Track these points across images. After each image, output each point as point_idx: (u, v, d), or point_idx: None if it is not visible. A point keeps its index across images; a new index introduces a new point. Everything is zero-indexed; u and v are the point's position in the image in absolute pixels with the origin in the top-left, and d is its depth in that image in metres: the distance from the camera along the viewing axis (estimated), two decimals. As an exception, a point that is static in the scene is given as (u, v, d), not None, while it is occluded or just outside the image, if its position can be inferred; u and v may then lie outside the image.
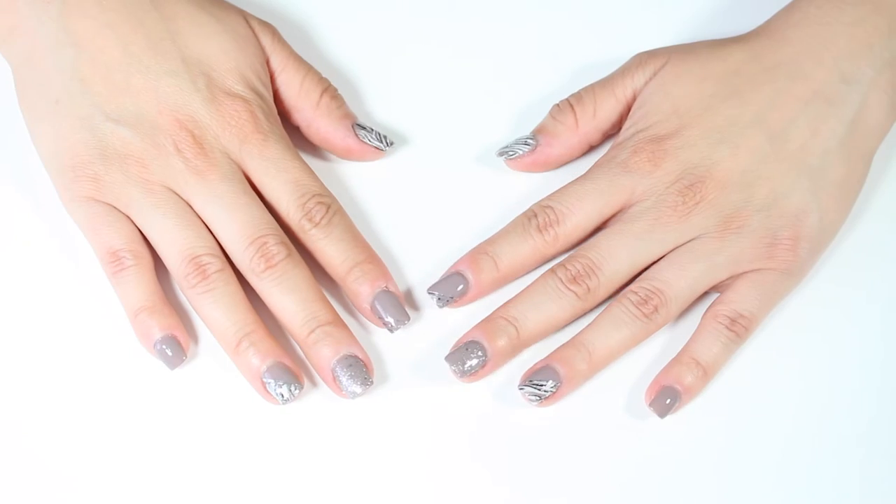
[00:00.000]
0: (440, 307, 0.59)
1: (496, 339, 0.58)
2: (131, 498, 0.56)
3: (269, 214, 0.59)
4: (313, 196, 0.59)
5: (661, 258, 0.59)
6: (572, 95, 0.63)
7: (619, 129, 0.63)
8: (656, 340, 0.60)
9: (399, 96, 0.65)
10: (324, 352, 0.57)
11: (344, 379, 0.57)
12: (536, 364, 0.58)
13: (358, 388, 0.57)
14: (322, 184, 0.60)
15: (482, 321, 0.58)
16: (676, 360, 0.58)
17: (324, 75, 0.63)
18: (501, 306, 0.59)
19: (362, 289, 0.58)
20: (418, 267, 0.61)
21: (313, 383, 0.59)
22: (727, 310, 0.58)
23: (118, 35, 0.59)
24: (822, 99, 0.60)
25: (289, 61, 0.62)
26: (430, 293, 0.59)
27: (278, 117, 0.61)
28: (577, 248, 0.59)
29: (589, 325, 0.58)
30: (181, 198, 0.58)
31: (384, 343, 0.60)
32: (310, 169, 0.60)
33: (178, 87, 0.59)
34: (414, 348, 0.60)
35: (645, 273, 0.59)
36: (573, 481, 0.57)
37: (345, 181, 0.63)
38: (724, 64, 0.61)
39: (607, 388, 0.59)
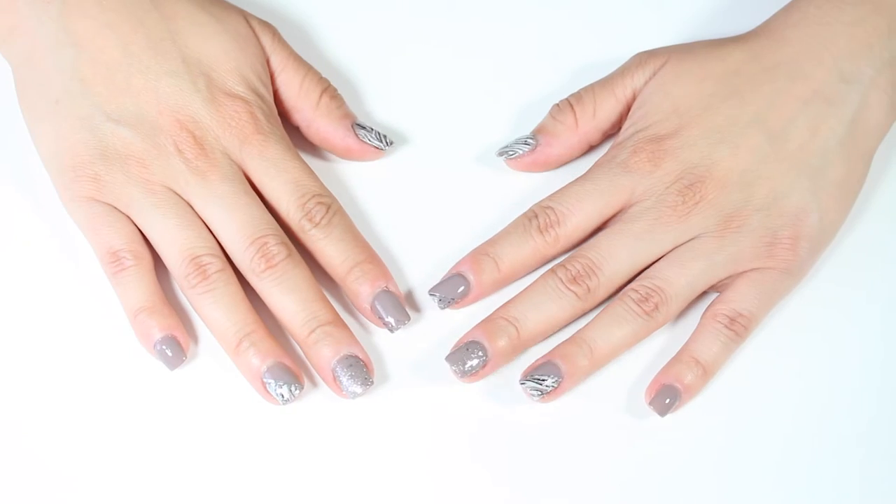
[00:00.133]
0: (441, 308, 0.59)
1: (496, 340, 0.58)
2: (131, 498, 0.56)
3: (270, 215, 0.59)
4: (313, 196, 0.59)
5: (661, 258, 0.59)
6: (572, 95, 0.63)
7: (619, 128, 0.63)
8: (656, 340, 0.60)
9: (399, 96, 0.65)
10: (324, 352, 0.57)
11: (344, 379, 0.57)
12: (538, 360, 0.58)
13: (358, 389, 0.57)
14: (322, 184, 0.60)
15: (482, 321, 0.58)
16: (676, 359, 0.58)
17: (324, 75, 0.63)
18: (502, 306, 0.59)
19: (362, 289, 0.58)
20: (418, 267, 0.61)
21: (313, 383, 0.59)
22: (727, 309, 0.58)
23: (118, 35, 0.59)
24: (822, 99, 0.60)
25: (289, 61, 0.62)
26: (431, 294, 0.59)
27: (278, 117, 0.61)
28: (578, 249, 0.59)
29: (590, 322, 0.58)
30: (182, 198, 0.58)
31: (384, 343, 0.60)
32: (310, 169, 0.60)
33: (178, 88, 0.59)
34: (414, 348, 0.60)
35: (646, 272, 0.59)
36: (573, 481, 0.57)
37: (345, 181, 0.63)
38: (723, 64, 0.61)
39: (607, 386, 0.59)
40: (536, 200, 0.60)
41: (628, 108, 0.62)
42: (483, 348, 0.58)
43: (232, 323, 0.57)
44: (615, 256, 0.58)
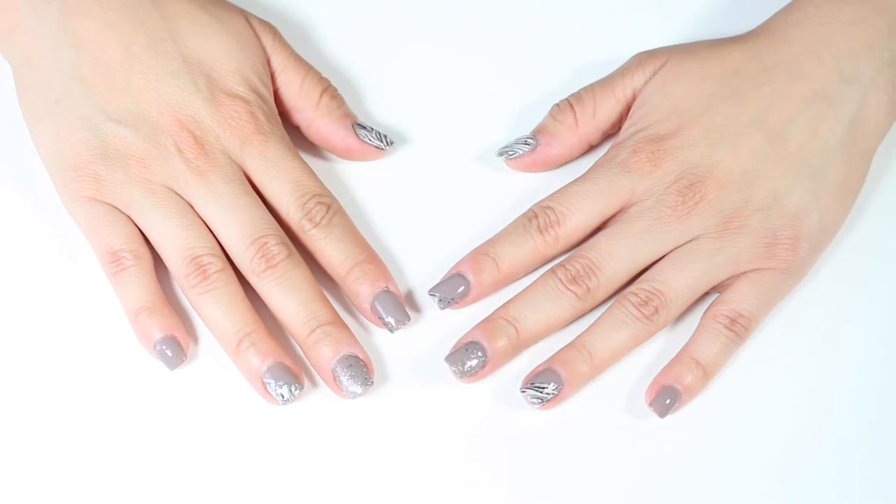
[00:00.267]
0: (441, 308, 0.59)
1: (496, 340, 0.58)
2: (131, 498, 0.56)
3: (270, 215, 0.59)
4: (313, 196, 0.59)
5: (661, 258, 0.59)
6: (572, 95, 0.63)
7: (619, 128, 0.63)
8: (656, 341, 0.60)
9: (399, 96, 0.65)
10: (324, 352, 0.57)
11: (344, 379, 0.57)
12: (538, 367, 0.58)
13: (358, 389, 0.57)
14: (322, 184, 0.60)
15: (482, 321, 0.58)
16: (676, 360, 0.58)
17: (324, 75, 0.63)
18: (501, 307, 0.59)
19: (362, 289, 0.58)
20: (418, 267, 0.61)
21: (313, 383, 0.59)
22: (727, 310, 0.58)
23: (119, 35, 0.59)
24: (822, 99, 0.60)
25: (289, 61, 0.62)
26: (431, 294, 0.59)
27: (279, 117, 0.61)
28: (577, 249, 0.59)
29: (590, 326, 0.58)
30: (182, 198, 0.58)
31: (384, 343, 0.60)
32: (310, 169, 0.60)
33: (178, 88, 0.59)
34: (414, 348, 0.60)
35: (645, 274, 0.59)
36: (573, 481, 0.57)
37: (345, 181, 0.63)
38: (723, 64, 0.61)
39: (607, 388, 0.59)
40: (536, 200, 0.60)
41: (628, 108, 0.62)
42: (482, 349, 0.58)
43: (232, 323, 0.57)
44: (615, 256, 0.58)
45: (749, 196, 0.59)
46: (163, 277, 0.59)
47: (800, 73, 0.60)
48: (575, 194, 0.60)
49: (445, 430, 0.58)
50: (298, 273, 0.58)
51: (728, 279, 0.59)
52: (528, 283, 0.59)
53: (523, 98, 0.65)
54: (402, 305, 0.59)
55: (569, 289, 0.58)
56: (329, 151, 0.63)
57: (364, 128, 0.63)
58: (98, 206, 0.58)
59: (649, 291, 0.58)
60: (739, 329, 0.58)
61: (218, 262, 0.58)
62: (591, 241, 0.59)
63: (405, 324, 0.58)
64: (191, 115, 0.59)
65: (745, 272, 0.59)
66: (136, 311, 0.57)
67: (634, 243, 0.58)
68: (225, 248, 0.58)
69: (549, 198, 0.60)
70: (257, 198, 0.59)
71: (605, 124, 0.63)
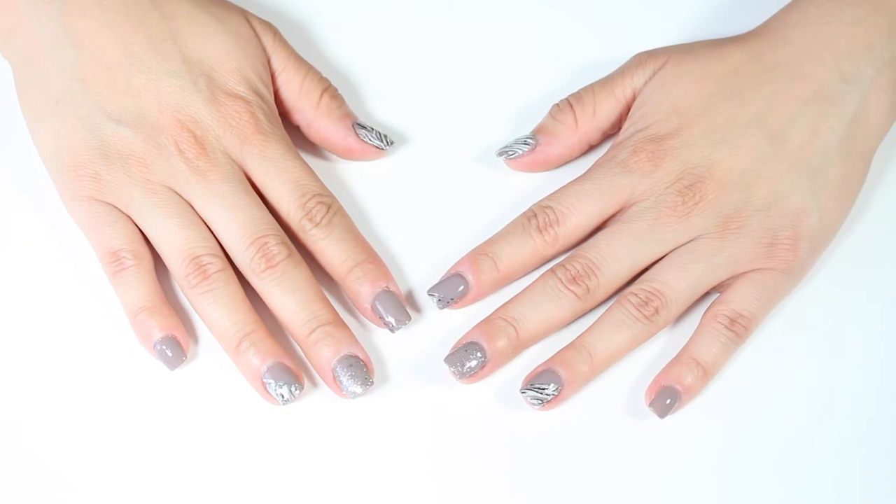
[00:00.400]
0: (440, 308, 0.59)
1: (496, 340, 0.58)
2: (131, 498, 0.56)
3: (270, 215, 0.59)
4: (314, 196, 0.59)
5: (661, 258, 0.59)
6: (572, 95, 0.63)
7: (619, 128, 0.63)
8: (656, 341, 0.60)
9: (399, 96, 0.65)
10: (324, 352, 0.57)
11: (344, 379, 0.57)
12: (538, 367, 0.58)
13: (358, 389, 0.57)
14: (322, 184, 0.60)
15: (481, 322, 0.58)
16: (676, 360, 0.58)
17: (324, 75, 0.63)
18: (501, 307, 0.59)
19: (363, 289, 0.58)
20: (418, 267, 0.61)
21: (313, 383, 0.59)
22: (727, 310, 0.58)
23: (119, 35, 0.59)
24: (822, 99, 0.60)
25: (289, 61, 0.62)
26: (430, 294, 0.59)
27: (279, 117, 0.61)
28: (577, 248, 0.59)
29: (590, 327, 0.58)
30: (182, 198, 0.58)
31: (385, 343, 0.60)
32: (310, 169, 0.60)
33: (179, 88, 0.59)
34: (414, 348, 0.60)
35: (645, 274, 0.59)
36: (573, 481, 0.57)
37: (345, 181, 0.63)
38: (723, 64, 0.61)
39: (608, 388, 0.59)
40: (536, 200, 0.60)
41: (628, 108, 0.62)
42: (482, 349, 0.58)
43: (232, 323, 0.57)
44: (615, 256, 0.58)
45: (749, 196, 0.59)
46: (163, 277, 0.59)
47: (800, 73, 0.60)
48: (575, 194, 0.60)
49: (445, 431, 0.58)
50: (298, 273, 0.58)
51: (728, 279, 0.59)
52: (528, 283, 0.59)
53: (523, 98, 0.65)
54: (402, 305, 0.59)
55: (569, 289, 0.58)
56: (329, 151, 0.63)
57: (364, 128, 0.63)
58: (98, 205, 0.58)
59: (649, 292, 0.58)
60: (739, 329, 0.58)
61: (218, 262, 0.58)
62: (591, 240, 0.59)
63: (406, 324, 0.58)
64: (191, 115, 0.59)
65: (746, 272, 0.59)
66: (136, 311, 0.57)
67: (634, 243, 0.58)
68: (225, 248, 0.58)
69: (549, 197, 0.60)
70: (257, 198, 0.59)
71: (605, 124, 0.63)
